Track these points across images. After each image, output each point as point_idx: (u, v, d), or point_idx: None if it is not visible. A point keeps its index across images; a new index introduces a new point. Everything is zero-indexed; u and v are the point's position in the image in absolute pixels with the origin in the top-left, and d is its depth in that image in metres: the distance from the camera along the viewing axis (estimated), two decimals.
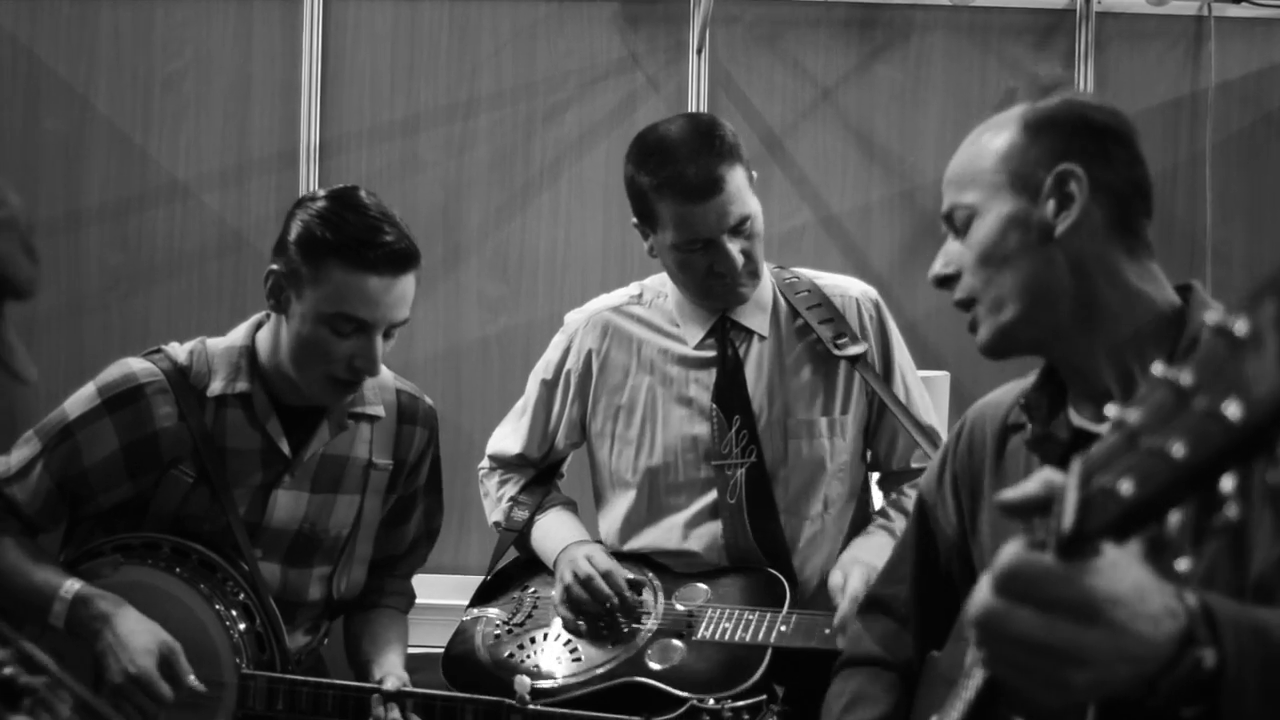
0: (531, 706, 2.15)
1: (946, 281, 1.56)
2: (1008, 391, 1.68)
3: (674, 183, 2.38)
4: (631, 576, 2.55)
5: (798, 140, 3.74)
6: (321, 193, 2.21)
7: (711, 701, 2.14)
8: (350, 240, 2.10)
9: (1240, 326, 0.83)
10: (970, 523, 1.65)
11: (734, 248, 2.42)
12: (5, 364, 1.52)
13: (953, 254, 1.55)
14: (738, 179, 2.41)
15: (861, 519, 2.65)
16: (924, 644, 1.76)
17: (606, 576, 2.48)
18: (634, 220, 2.54)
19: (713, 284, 2.47)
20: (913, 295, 3.71)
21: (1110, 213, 1.47)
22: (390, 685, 2.16)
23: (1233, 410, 0.82)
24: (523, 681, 2.21)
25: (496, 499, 2.73)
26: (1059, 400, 1.56)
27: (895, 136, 3.83)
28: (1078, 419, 1.52)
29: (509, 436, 2.74)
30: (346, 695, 2.16)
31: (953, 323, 3.74)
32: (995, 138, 1.52)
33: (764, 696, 2.15)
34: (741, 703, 2.15)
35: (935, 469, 1.75)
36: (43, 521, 2.26)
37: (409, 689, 2.20)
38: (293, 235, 2.16)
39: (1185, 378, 0.85)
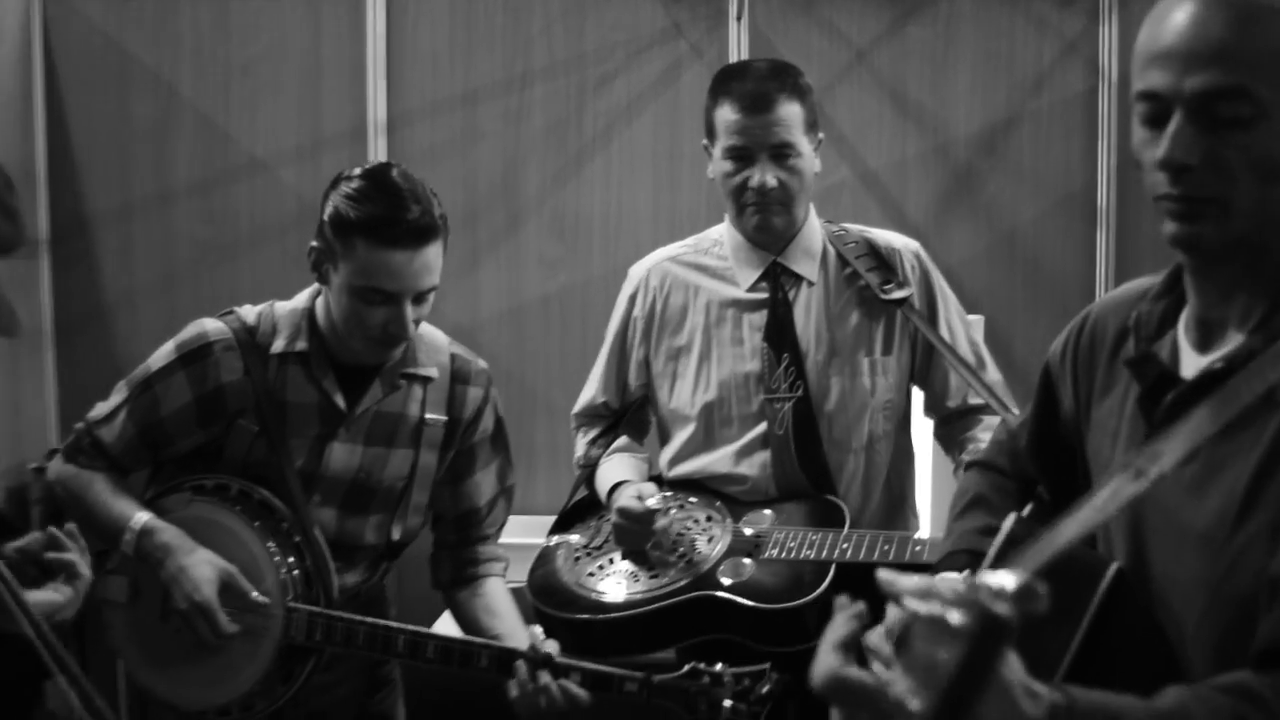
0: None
1: (1184, 171, 1.23)
2: (1135, 288, 1.48)
3: (734, 92, 2.44)
4: (696, 502, 2.54)
5: (835, 101, 3.64)
6: (355, 171, 2.17)
7: (719, 666, 2.11)
8: (373, 219, 2.08)
9: (954, 617, 0.85)
10: (1085, 414, 1.51)
11: (770, 170, 2.42)
12: None
13: (1203, 145, 1.21)
14: (793, 112, 2.43)
15: (902, 458, 2.63)
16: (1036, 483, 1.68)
17: (642, 515, 2.45)
18: (704, 140, 2.56)
19: (746, 200, 2.47)
20: (948, 244, 3.65)
21: None
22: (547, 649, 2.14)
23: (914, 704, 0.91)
24: (535, 632, 2.20)
25: (583, 443, 2.74)
26: (1172, 315, 1.38)
27: (927, 94, 3.72)
28: (1185, 342, 1.35)
29: (590, 387, 2.74)
30: (374, 631, 2.16)
31: (986, 268, 3.72)
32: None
33: (766, 665, 2.13)
34: (743, 669, 2.12)
35: (1060, 346, 1.58)
36: (127, 462, 2.28)
37: (435, 634, 2.20)
38: (326, 215, 2.15)
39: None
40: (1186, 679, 1.23)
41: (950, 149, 3.73)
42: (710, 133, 2.52)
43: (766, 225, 2.49)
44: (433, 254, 2.13)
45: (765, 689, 2.12)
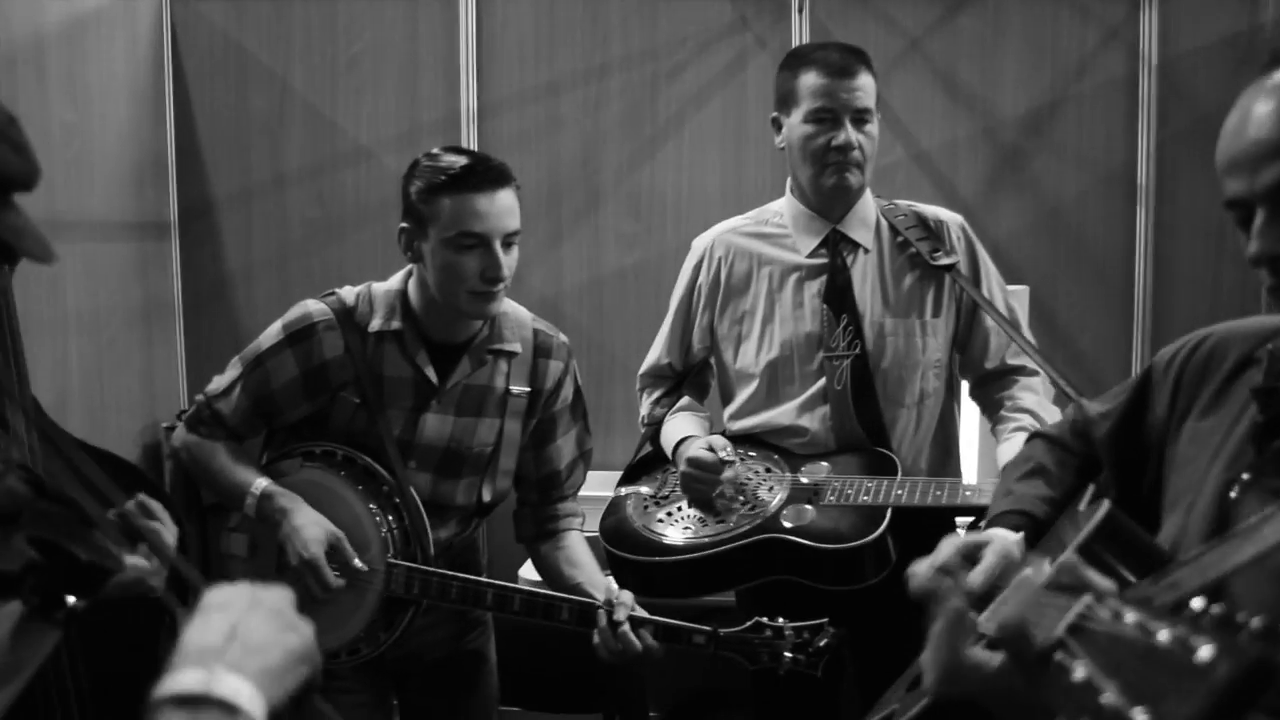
0: (623, 614, 2.09)
1: (1275, 261, 1.19)
2: (1269, 322, 1.43)
3: (822, 59, 2.44)
4: (755, 455, 2.51)
5: (890, 86, 3.54)
6: (431, 151, 2.20)
7: (780, 620, 2.10)
8: (450, 175, 2.10)
9: (1204, 653, 0.74)
10: (1177, 426, 1.45)
11: (853, 131, 2.41)
12: (16, 246, 1.46)
13: None
14: (871, 83, 2.45)
15: (949, 415, 2.60)
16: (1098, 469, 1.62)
17: (713, 464, 2.42)
18: (773, 113, 2.54)
19: (830, 159, 2.44)
20: (996, 219, 3.56)
21: None
22: (621, 613, 2.11)
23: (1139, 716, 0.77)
24: (611, 587, 2.18)
25: (647, 403, 2.72)
26: None
27: (976, 79, 3.60)
28: None
29: (655, 349, 2.72)
30: (466, 586, 2.17)
31: (1031, 242, 3.62)
32: None
33: (825, 620, 2.10)
34: (803, 624, 2.10)
35: (1171, 353, 1.52)
36: (243, 431, 2.29)
37: (521, 589, 2.20)
38: (410, 192, 2.16)
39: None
40: None
41: (998, 130, 3.61)
42: (786, 102, 2.49)
43: (845, 183, 2.46)
44: (512, 198, 2.15)
45: (824, 642, 2.10)
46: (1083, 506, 1.48)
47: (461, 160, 2.13)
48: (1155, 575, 1.13)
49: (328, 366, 2.21)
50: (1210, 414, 1.39)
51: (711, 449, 2.44)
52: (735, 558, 2.38)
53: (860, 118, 2.42)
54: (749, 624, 2.10)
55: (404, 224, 2.18)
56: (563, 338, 2.36)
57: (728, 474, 2.45)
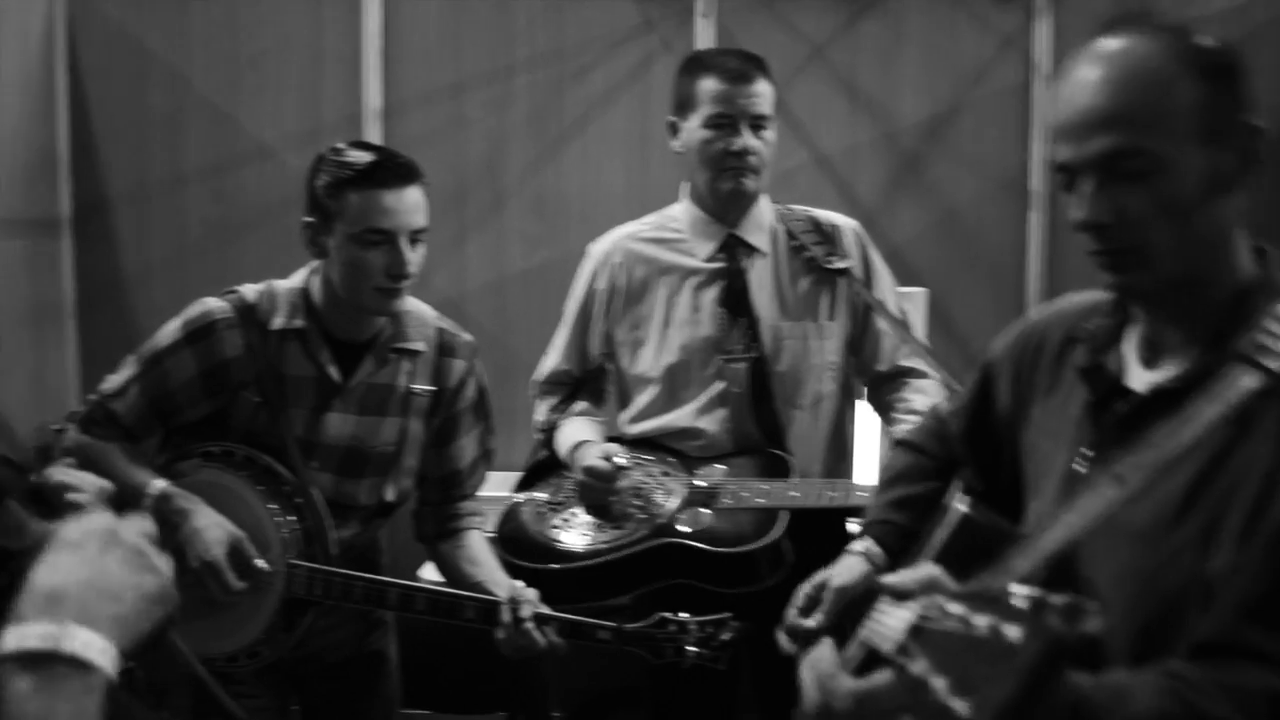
0: (528, 611, 2.10)
1: (1103, 229, 1.22)
2: (1084, 300, 1.46)
3: (720, 65, 2.46)
4: (652, 459, 2.52)
5: (793, 91, 3.60)
6: (336, 146, 2.17)
7: (683, 615, 2.11)
8: (357, 170, 2.08)
9: (1011, 634, 0.77)
10: (1022, 412, 1.49)
11: (751, 136, 2.43)
12: None
13: (1114, 201, 1.20)
14: (769, 89, 2.47)
15: (844, 416, 2.62)
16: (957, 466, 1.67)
17: (609, 474, 2.42)
18: (670, 117, 2.54)
19: (727, 164, 2.44)
20: (895, 222, 3.63)
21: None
22: (525, 610, 2.11)
23: (960, 707, 0.80)
24: (516, 585, 2.17)
25: (543, 410, 2.70)
26: (1119, 331, 1.35)
27: (877, 86, 3.68)
28: (1131, 358, 1.32)
29: (551, 356, 2.70)
30: (369, 586, 2.15)
31: (930, 245, 3.69)
32: (1165, 78, 1.20)
33: (728, 614, 2.12)
34: (705, 618, 2.11)
35: (1003, 345, 1.56)
36: (139, 432, 2.23)
37: (424, 587, 2.20)
38: (315, 187, 2.13)
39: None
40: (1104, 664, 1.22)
41: (898, 136, 3.69)
42: (684, 106, 2.49)
43: (742, 188, 2.47)
44: (419, 195, 2.13)
45: (727, 636, 2.11)
46: (949, 502, 1.53)
47: (368, 156, 2.10)
48: (994, 565, 1.15)
49: (228, 365, 2.17)
50: (1049, 398, 1.44)
51: (607, 457, 2.44)
52: (632, 563, 2.39)
53: (758, 124, 2.44)
54: (653, 619, 2.11)
55: (308, 219, 2.15)
56: (467, 336, 2.35)
57: (624, 483, 2.45)
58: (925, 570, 1.00)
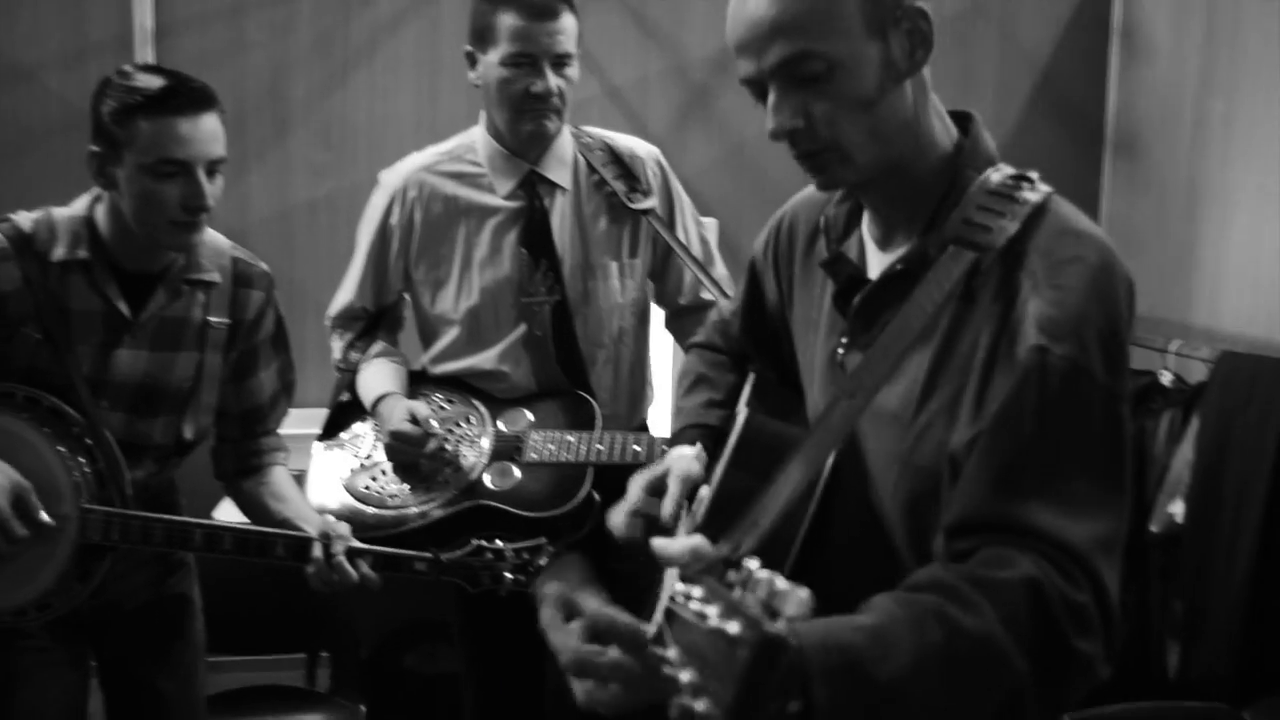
0: (340, 547, 2.06)
1: (794, 134, 1.24)
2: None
3: (518, 1, 2.32)
4: (456, 402, 2.48)
5: (584, 21, 3.51)
6: (123, 69, 2.03)
7: (499, 542, 2.12)
8: (150, 95, 1.94)
9: (733, 629, 0.76)
10: (788, 300, 1.53)
11: (553, 76, 2.34)
12: None
13: (799, 105, 1.22)
14: (572, 24, 2.37)
15: (643, 348, 2.64)
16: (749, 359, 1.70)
17: (417, 438, 2.38)
18: (467, 46, 2.43)
19: (528, 106, 2.37)
20: (684, 154, 3.64)
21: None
22: (338, 546, 2.06)
23: (701, 705, 0.78)
24: (328, 519, 2.13)
25: (340, 346, 2.62)
26: (856, 215, 1.40)
27: (667, 18, 3.70)
28: (869, 241, 1.37)
29: (345, 291, 2.61)
30: (171, 527, 2.06)
31: (720, 176, 3.75)
32: None
33: (542, 539, 2.13)
34: (522, 544, 2.13)
35: (764, 239, 1.59)
36: None
37: (231, 526, 2.12)
38: (103, 112, 1.98)
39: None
40: (896, 549, 1.27)
41: (687, 69, 3.72)
42: (483, 38, 2.38)
43: (543, 130, 2.42)
44: (216, 122, 2.01)
45: (543, 560, 2.13)
46: (742, 405, 1.57)
47: (159, 80, 1.97)
48: (741, 518, 1.12)
49: (4, 300, 2.01)
50: (803, 289, 1.49)
51: (414, 418, 2.39)
52: (444, 526, 2.36)
53: (560, 62, 2.36)
54: (470, 548, 2.10)
55: (94, 147, 2.00)
56: (263, 266, 2.26)
57: (432, 445, 2.41)
58: (685, 541, 0.97)
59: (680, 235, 2.56)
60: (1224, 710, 2.19)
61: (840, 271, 1.37)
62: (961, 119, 1.34)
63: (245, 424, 2.27)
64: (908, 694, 0.92)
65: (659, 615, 0.91)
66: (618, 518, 1.56)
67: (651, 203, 2.50)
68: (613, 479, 2.33)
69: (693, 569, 0.91)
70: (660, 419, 2.83)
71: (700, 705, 0.77)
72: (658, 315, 2.73)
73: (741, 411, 1.40)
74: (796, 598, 0.77)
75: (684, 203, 2.61)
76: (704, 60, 3.71)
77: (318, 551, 2.04)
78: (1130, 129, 3.89)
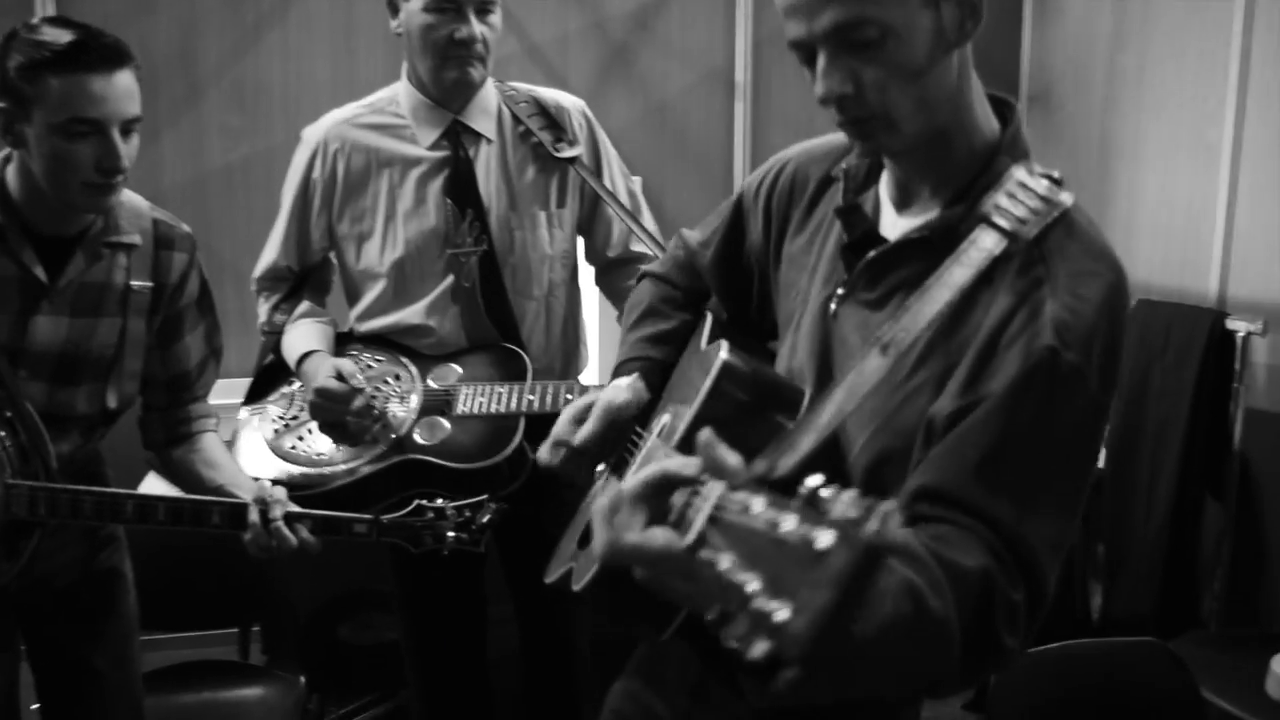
0: (279, 511, 2.01)
1: (844, 100, 1.23)
2: (836, 142, 1.49)
3: None
4: (384, 359, 2.44)
5: None
6: (30, 22, 1.92)
7: (440, 501, 2.09)
8: (60, 51, 1.84)
9: (823, 540, 0.74)
10: (775, 249, 1.53)
11: (476, 23, 2.32)
12: None
13: (849, 71, 1.22)
14: None
15: (575, 304, 2.62)
16: (706, 297, 1.70)
17: (343, 394, 2.34)
18: None
19: (451, 52, 2.34)
20: (607, 112, 3.59)
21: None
22: (276, 511, 2.00)
23: (782, 613, 0.76)
24: (263, 484, 2.08)
25: (265, 308, 2.56)
26: (875, 172, 1.41)
27: None
28: (886, 199, 1.38)
29: (270, 250, 2.55)
30: (101, 500, 1.99)
31: (640, 135, 3.73)
32: None
33: (484, 496, 2.11)
34: (463, 502, 2.10)
35: (758, 180, 1.58)
36: None
37: (164, 496, 2.04)
38: (8, 69, 1.87)
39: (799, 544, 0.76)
40: None
41: (607, 26, 3.69)
42: None
43: (468, 78, 2.38)
44: (128, 79, 1.91)
45: (486, 518, 2.10)
46: (704, 343, 1.57)
47: (69, 34, 1.86)
48: (777, 440, 1.16)
49: None
50: (800, 235, 1.49)
51: (340, 376, 2.34)
52: (373, 482, 2.33)
53: (484, 8, 2.33)
54: (410, 508, 2.07)
55: (0, 104, 1.90)
56: (185, 228, 2.18)
57: (358, 402, 2.36)
58: (709, 452, 0.97)
59: (608, 185, 2.53)
60: (1154, 644, 2.25)
61: (856, 224, 1.37)
62: (999, 104, 1.34)
63: (173, 391, 2.20)
64: (865, 655, 0.92)
65: (698, 524, 0.89)
66: (543, 448, 1.60)
67: (577, 151, 2.48)
68: (546, 431, 2.34)
69: (740, 480, 0.90)
70: (594, 380, 2.82)
71: (780, 610, 0.76)
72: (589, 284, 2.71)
73: (722, 345, 1.40)
74: (883, 513, 0.77)
75: (611, 155, 2.59)
76: (624, 17, 3.67)
77: (255, 517, 1.99)
78: (1044, 84, 3.94)
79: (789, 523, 0.79)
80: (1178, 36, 3.43)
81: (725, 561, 0.83)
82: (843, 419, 1.18)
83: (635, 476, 1.00)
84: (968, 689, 1.13)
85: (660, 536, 0.94)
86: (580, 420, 1.57)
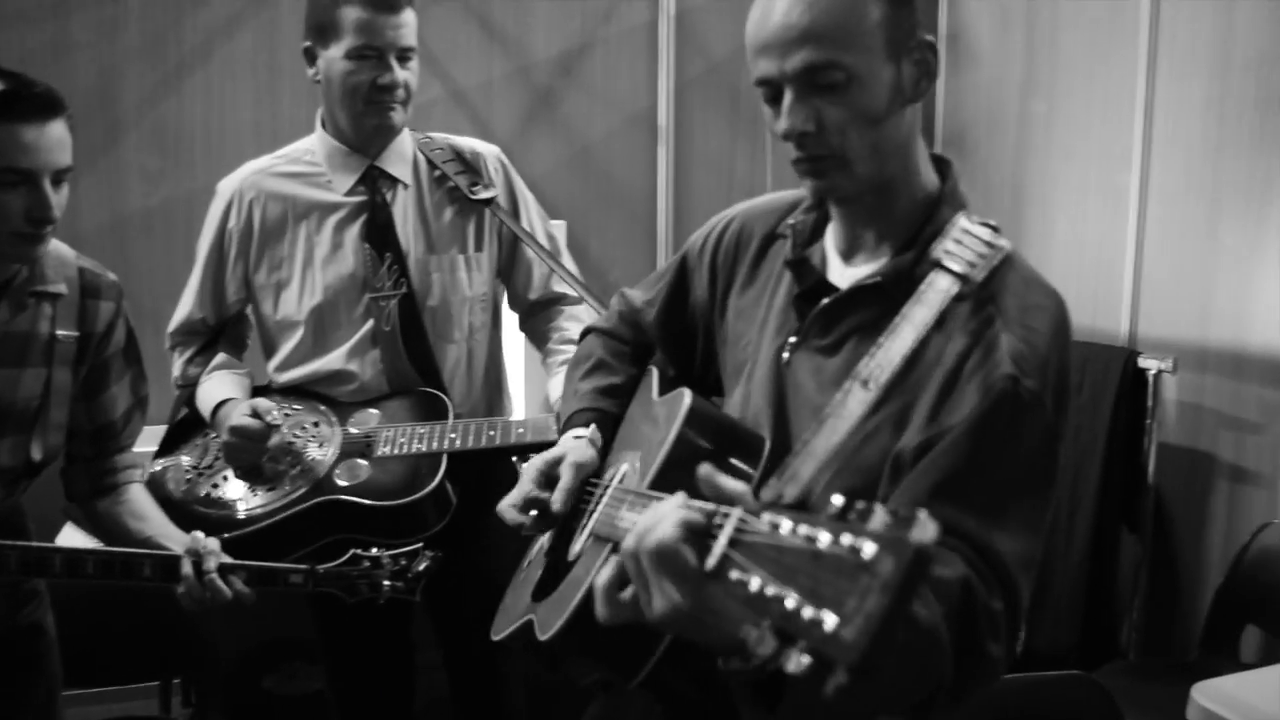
0: (213, 563, 1.97)
1: (804, 137, 1.31)
2: (782, 199, 1.56)
3: None
4: (301, 408, 2.41)
5: (428, 23, 3.43)
6: None
7: (375, 550, 2.07)
8: None
9: (868, 550, 0.77)
10: (720, 303, 1.58)
11: (399, 69, 2.34)
12: None
13: (813, 111, 1.29)
14: (413, 18, 2.36)
15: (496, 348, 2.62)
16: (651, 351, 1.73)
17: (258, 432, 2.30)
18: (305, 42, 2.39)
19: (374, 98, 2.35)
20: (531, 157, 3.66)
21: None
22: (210, 562, 1.96)
23: (829, 622, 0.78)
24: (197, 537, 2.04)
25: (179, 363, 2.53)
26: (821, 227, 1.47)
27: (511, 20, 3.69)
28: (832, 250, 1.44)
29: (185, 304, 2.52)
30: (28, 553, 1.94)
31: (565, 179, 3.76)
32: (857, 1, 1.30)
33: (420, 544, 2.09)
34: (398, 550, 2.08)
35: (701, 239, 1.64)
36: None
37: (93, 549, 2.00)
38: None
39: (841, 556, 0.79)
40: None
41: (531, 71, 3.71)
42: (324, 33, 2.34)
43: (389, 123, 2.39)
44: (61, 130, 1.87)
45: (422, 565, 2.09)
46: (655, 395, 1.59)
47: (5, 81, 1.82)
48: (778, 470, 1.23)
49: None
50: (749, 289, 1.54)
51: (256, 414, 2.31)
52: (293, 525, 2.28)
53: (404, 55, 2.35)
54: (346, 557, 2.04)
55: None
56: (112, 276, 2.14)
57: (274, 440, 2.33)
58: (714, 482, 0.99)
59: (526, 227, 2.55)
60: (1080, 676, 2.30)
61: (806, 274, 1.43)
62: (938, 161, 1.43)
63: (98, 442, 2.15)
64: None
65: (720, 548, 0.92)
66: (507, 505, 1.56)
67: (493, 193, 2.49)
68: (468, 470, 2.32)
69: (754, 506, 0.93)
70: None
71: (826, 616, 0.78)
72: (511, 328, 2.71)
73: (685, 393, 1.44)
74: (922, 521, 0.79)
75: (528, 198, 2.61)
76: (548, 62, 3.71)
77: (188, 569, 1.95)
78: (958, 130, 4.05)
79: (825, 537, 0.82)
80: (1086, 85, 3.55)
81: (757, 580, 0.85)
82: (836, 448, 1.23)
83: (648, 540, 1.00)
84: (957, 706, 1.15)
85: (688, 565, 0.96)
86: (549, 479, 1.55)
